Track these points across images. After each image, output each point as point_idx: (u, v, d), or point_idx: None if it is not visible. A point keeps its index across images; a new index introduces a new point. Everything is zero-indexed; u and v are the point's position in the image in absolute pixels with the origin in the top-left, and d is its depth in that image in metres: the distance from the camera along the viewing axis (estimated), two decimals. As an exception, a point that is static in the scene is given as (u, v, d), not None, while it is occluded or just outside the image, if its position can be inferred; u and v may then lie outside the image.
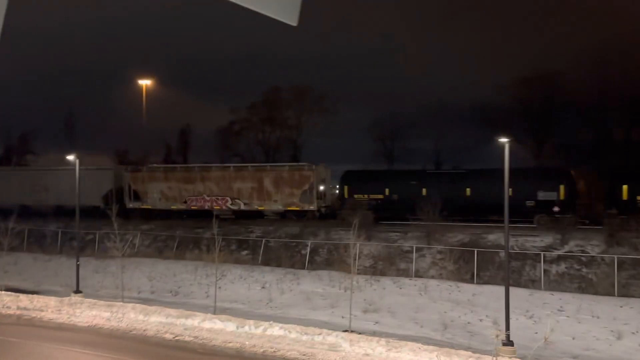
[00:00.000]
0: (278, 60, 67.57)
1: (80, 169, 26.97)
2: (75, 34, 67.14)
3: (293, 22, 1.70)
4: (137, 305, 20.60)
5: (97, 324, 19.60)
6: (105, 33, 68.57)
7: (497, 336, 14.89)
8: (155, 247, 31.98)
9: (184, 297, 23.83)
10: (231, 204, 35.25)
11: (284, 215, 35.40)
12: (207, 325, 18.53)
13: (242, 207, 35.23)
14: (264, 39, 60.35)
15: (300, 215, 34.26)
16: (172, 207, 36.33)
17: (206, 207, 35.53)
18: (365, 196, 33.85)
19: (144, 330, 18.68)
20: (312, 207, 33.98)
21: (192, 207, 36.21)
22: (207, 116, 64.43)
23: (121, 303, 21.03)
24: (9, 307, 21.85)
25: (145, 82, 50.20)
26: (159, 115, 61.25)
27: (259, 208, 35.38)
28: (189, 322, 18.88)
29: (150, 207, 37.00)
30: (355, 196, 33.90)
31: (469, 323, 18.96)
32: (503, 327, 16.21)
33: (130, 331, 18.75)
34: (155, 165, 39.13)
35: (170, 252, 30.85)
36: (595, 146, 43.35)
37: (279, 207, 34.49)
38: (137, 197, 37.67)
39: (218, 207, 34.71)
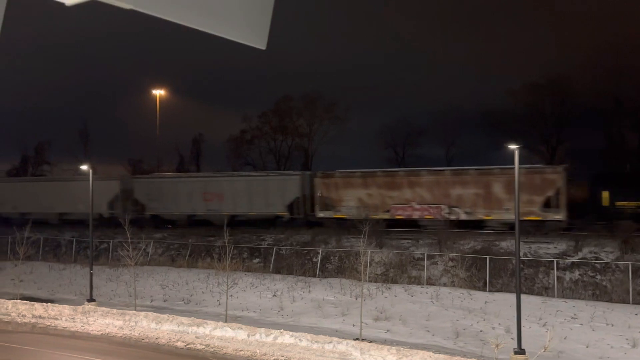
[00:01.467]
0: (289, 69, 67.88)
1: (268, 176, 27.19)
2: (90, 44, 68.14)
3: (262, 45, 1.70)
4: (150, 313, 20.74)
5: (110, 332, 19.77)
6: (120, 44, 69.45)
7: (497, 346, 14.75)
8: (168, 255, 32.20)
9: (195, 305, 23.94)
10: (448, 213, 30.43)
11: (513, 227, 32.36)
12: (218, 333, 18.61)
13: (462, 216, 30.48)
14: (275, 47, 60.69)
15: (539, 226, 28.71)
16: (372, 216, 30.98)
17: (415, 217, 31.47)
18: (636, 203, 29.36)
19: (156, 339, 18.81)
20: (558, 217, 28.65)
21: (397, 217, 31.86)
22: (219, 125, 64.98)
23: (134, 311, 21.19)
24: (24, 316, 22.12)
25: (158, 92, 50.78)
26: (172, 125, 61.96)
27: (485, 217, 30.29)
28: (201, 330, 18.97)
29: (344, 216, 32.67)
30: (618, 204, 29.50)
31: (481, 331, 18.82)
32: (515, 335, 16.08)
33: (143, 339, 18.88)
34: (349, 170, 34.97)
35: (182, 260, 31.05)
36: (608, 151, 42.98)
37: (511, 216, 27.35)
38: (328, 205, 33.67)
39: (430, 217, 30.78)
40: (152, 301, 24.62)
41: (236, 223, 34.15)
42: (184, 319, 19.77)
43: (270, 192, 34.26)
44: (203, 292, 25.55)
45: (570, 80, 44.48)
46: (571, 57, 56.00)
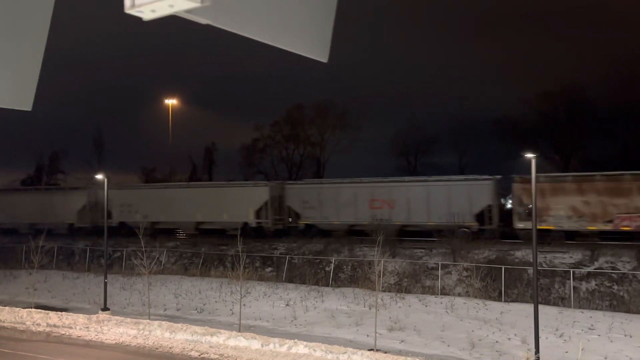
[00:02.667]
0: (301, 77, 68.15)
1: (451, 180, 28.51)
2: (103, 54, 68.92)
3: (324, 58, 1.77)
4: (164, 322, 20.75)
5: (124, 342, 19.80)
6: (133, 54, 70.15)
7: (527, 359, 14.59)
8: (180, 264, 32.27)
9: (209, 314, 23.92)
10: None
11: None
12: (232, 342, 18.56)
13: None
14: (287, 56, 60.94)
15: None
16: (589, 227, 28.08)
17: None
18: None
19: (170, 348, 18.80)
20: None
21: (623, 228, 27.68)
22: (232, 134, 65.30)
23: (148, 320, 21.21)
24: (38, 324, 22.24)
25: (171, 101, 51.16)
26: (184, 134, 62.37)
27: None
28: (214, 339, 18.94)
29: (551, 227, 28.73)
30: None
31: (497, 342, 18.59)
32: (532, 345, 15.86)
33: (157, 349, 18.89)
34: (558, 173, 31.21)
35: (195, 269, 31.11)
36: (622, 160, 42.50)
37: None
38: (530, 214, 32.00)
39: None
40: (165, 310, 24.65)
41: (405, 234, 31.94)
42: (198, 328, 19.75)
43: (454, 199, 31.04)
44: (216, 301, 25.54)
45: (584, 89, 44.21)
46: (586, 66, 55.68)
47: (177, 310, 24.82)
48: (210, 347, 18.50)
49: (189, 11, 1.48)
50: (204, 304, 25.34)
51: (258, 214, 35.46)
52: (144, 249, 23.49)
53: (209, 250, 32.57)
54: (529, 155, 16.40)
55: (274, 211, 35.65)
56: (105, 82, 71.98)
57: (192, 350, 18.39)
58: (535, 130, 44.55)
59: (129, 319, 21.60)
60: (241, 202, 35.67)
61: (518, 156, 19.48)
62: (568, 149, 44.96)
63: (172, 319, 22.31)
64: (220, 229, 36.69)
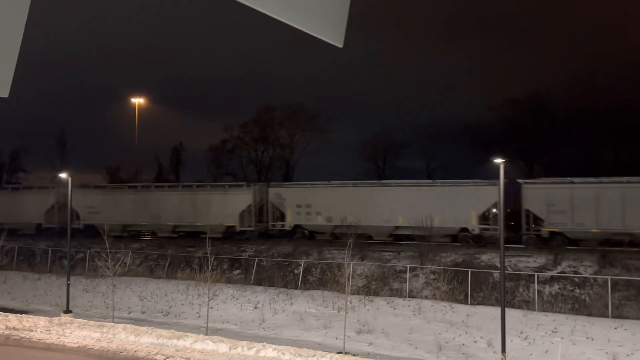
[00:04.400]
0: (271, 80, 67.97)
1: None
2: (67, 51, 67.26)
3: (339, 43, 1.70)
4: (128, 325, 20.30)
5: (87, 345, 19.26)
6: (99, 51, 68.72)
7: None
8: (146, 266, 31.68)
9: (175, 317, 23.52)
10: None
11: None
12: (199, 346, 18.27)
13: None
14: (258, 58, 60.75)
15: None
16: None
17: None
18: None
19: (134, 352, 18.37)
20: None
21: None
22: (200, 135, 64.57)
23: (112, 323, 20.72)
24: (-4, 327, 21.46)
25: (138, 100, 50.26)
26: (151, 134, 61.38)
27: None
28: (181, 343, 18.61)
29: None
30: None
31: (463, 344, 18.82)
32: (498, 348, 16.12)
33: (121, 352, 18.44)
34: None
35: (161, 271, 30.58)
36: (585, 166, 43.76)
37: None
38: None
39: None
40: (130, 313, 24.12)
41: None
42: (164, 332, 19.38)
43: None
44: (182, 304, 25.14)
45: (548, 97, 45.39)
46: (550, 75, 57.16)
47: (142, 313, 24.33)
48: (177, 350, 18.16)
49: None
50: (170, 307, 24.91)
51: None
52: (108, 250, 22.96)
53: (176, 252, 32.08)
54: (498, 160, 16.68)
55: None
56: (70, 79, 70.29)
57: (157, 354, 18.01)
58: (501, 136, 45.50)
59: (92, 322, 21.05)
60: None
61: (485, 161, 19.81)
62: (532, 155, 46.06)
63: (137, 322, 21.84)
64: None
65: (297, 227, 34.80)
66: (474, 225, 30.84)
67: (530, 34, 60.77)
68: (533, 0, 59.60)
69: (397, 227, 32.52)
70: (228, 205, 35.37)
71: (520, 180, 32.02)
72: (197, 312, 23.20)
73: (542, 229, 30.04)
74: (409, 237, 31.63)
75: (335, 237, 32.43)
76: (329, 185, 34.93)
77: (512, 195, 29.93)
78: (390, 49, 66.61)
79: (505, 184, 28.83)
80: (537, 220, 30.37)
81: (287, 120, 53.30)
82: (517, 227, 31.71)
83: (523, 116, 45.62)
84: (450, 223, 30.77)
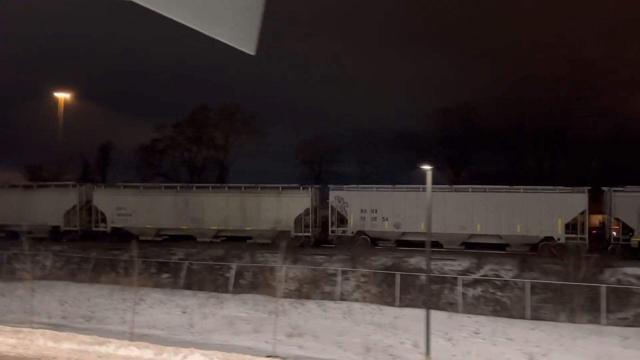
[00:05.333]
0: (207, 80, 66.86)
1: None
2: (-12, 41, 63.20)
3: (251, 50, 1.72)
4: (47, 331, 19.30)
5: (1, 351, 18.12)
6: (23, 44, 65.06)
7: None
8: (68, 269, 30.25)
9: (98, 322, 22.60)
10: None
11: None
12: (123, 352, 17.63)
13: None
14: (194, 58, 59.60)
15: None
16: None
17: None
18: None
19: (53, 358, 17.46)
20: None
21: None
22: (131, 133, 62.37)
23: (29, 329, 19.62)
24: None
25: (63, 96, 47.97)
26: (78, 131, 58.67)
27: None
28: (103, 349, 17.89)
29: None
30: None
31: (390, 346, 19.23)
32: (423, 349, 16.59)
33: (39, 359, 17.49)
34: None
35: (84, 274, 29.29)
36: (509, 174, 45.97)
37: None
38: None
39: None
40: (49, 318, 22.95)
41: None
42: (85, 337, 18.56)
43: None
44: (106, 309, 24.20)
45: (477, 107, 47.37)
46: (481, 86, 59.61)
47: (63, 318, 23.22)
48: (99, 357, 17.44)
49: None
50: (93, 312, 23.92)
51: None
52: (27, 252, 21.76)
53: (100, 255, 30.85)
54: (426, 167, 17.19)
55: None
56: (-12, 70, 66.00)
57: (78, 360, 17.24)
58: (432, 143, 46.99)
59: (7, 328, 19.85)
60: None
61: (416, 167, 20.40)
62: (460, 163, 47.88)
63: (57, 327, 20.81)
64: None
65: (359, 233, 32.48)
66: (560, 234, 29.80)
67: (465, 47, 63.20)
68: (469, 13, 62.01)
69: (472, 235, 31.16)
70: (281, 209, 33.19)
71: (605, 188, 31.07)
72: (122, 317, 22.41)
73: (633, 239, 29.35)
74: (483, 246, 30.68)
75: (401, 244, 31.05)
76: (398, 189, 32.83)
77: (596, 203, 30.53)
78: (327, 55, 67.29)
79: (588, 191, 29.52)
80: (626, 229, 29.73)
81: (223, 122, 52.63)
82: (600, 236, 31.37)
83: (453, 125, 47.33)
84: (533, 232, 29.94)
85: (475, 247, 30.78)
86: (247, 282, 27.19)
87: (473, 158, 47.99)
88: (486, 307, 23.78)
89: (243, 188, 34.91)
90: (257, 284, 26.09)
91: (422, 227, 28.92)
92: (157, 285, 26.96)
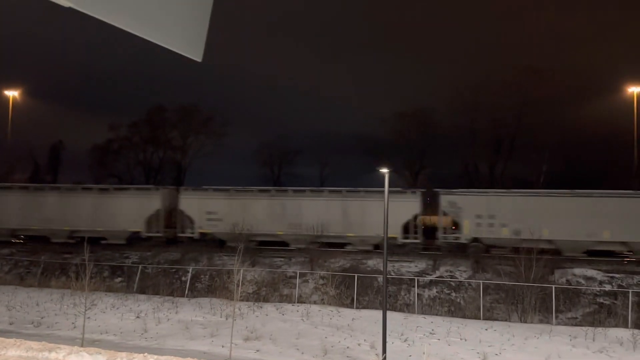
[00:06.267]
0: (165, 80, 65.71)
1: None
2: None
3: (198, 57, 1.69)
4: (-8, 338, 18.47)
5: (-60, 362, 17.26)
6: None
7: None
8: (16, 273, 29.11)
9: (47, 328, 21.79)
10: None
11: None
12: (73, 358, 17.03)
13: None
14: (150, 56, 58.45)
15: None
16: None
17: None
18: None
19: (-2, 367, 16.76)
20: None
21: None
22: (85, 133, 60.67)
23: (-28, 337, 18.74)
24: None
25: (12, 94, 46.23)
26: (28, 130, 56.67)
27: None
28: (53, 355, 17.25)
29: None
30: None
31: (348, 347, 19.29)
32: (380, 350, 16.71)
33: (-18, 368, 16.73)
34: None
35: (33, 279, 28.24)
36: (463, 177, 47.02)
37: None
38: None
39: None
40: (-5, 325, 22.00)
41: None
42: (34, 344, 17.86)
43: None
44: (56, 314, 23.38)
45: (432, 112, 48.24)
46: (436, 91, 60.78)
47: (10, 324, 22.29)
48: (48, 364, 16.82)
49: None
50: (42, 317, 23.06)
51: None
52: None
53: (50, 259, 29.80)
54: (383, 170, 17.37)
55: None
56: None
57: (25, 368, 16.57)
58: (390, 147, 47.57)
59: (-52, 336, 18.91)
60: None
61: (374, 170, 20.59)
62: (417, 166, 48.64)
63: (3, 333, 19.94)
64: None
65: (474, 240, 31.04)
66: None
67: (421, 54, 64.33)
68: (425, 21, 63.18)
69: (599, 242, 29.63)
70: (389, 214, 31.73)
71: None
72: (73, 323, 21.68)
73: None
74: (609, 254, 29.48)
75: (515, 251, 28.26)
76: (518, 194, 31.25)
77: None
78: (288, 59, 67.25)
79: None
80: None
81: (180, 122, 51.78)
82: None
83: (410, 129, 48.04)
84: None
85: (596, 254, 29.68)
86: (203, 286, 26.80)
87: (428, 162, 48.90)
88: (441, 307, 24.19)
89: (344, 191, 33.16)
90: (214, 287, 25.76)
91: (545, 234, 28.35)
92: (110, 289, 26.29)
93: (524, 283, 23.28)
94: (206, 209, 33.30)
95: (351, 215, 31.97)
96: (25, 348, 17.63)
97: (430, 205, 34.30)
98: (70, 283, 23.86)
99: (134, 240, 33.89)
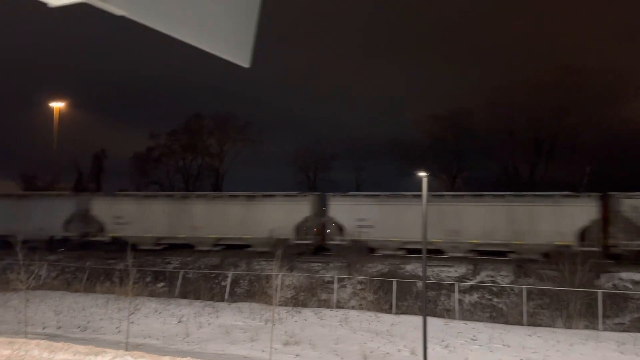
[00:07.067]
0: (202, 88, 66.87)
1: None
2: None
3: (245, 63, 1.72)
4: (42, 341, 19.12)
5: (-6, 364, 17.97)
6: (17, 52, 64.91)
7: None
8: (63, 279, 30.06)
9: (93, 332, 22.43)
10: None
11: None
12: (118, 362, 17.49)
13: None
14: (189, 65, 59.66)
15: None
16: None
17: None
18: None
19: (48, 370, 17.33)
20: None
21: None
22: (126, 142, 62.35)
23: (24, 339, 19.44)
24: None
25: (57, 105, 47.90)
26: (72, 140, 58.62)
27: None
28: (99, 359, 17.75)
29: None
30: None
31: (387, 353, 19.17)
32: (420, 356, 16.54)
33: (33, 371, 17.33)
34: None
35: (79, 284, 29.11)
36: (502, 181, 46.12)
37: None
38: None
39: None
40: (44, 328, 22.76)
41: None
42: (81, 348, 18.41)
43: None
44: (101, 319, 24.02)
45: (469, 114, 47.54)
46: (473, 93, 59.96)
47: (58, 328, 23.03)
48: (95, 367, 17.31)
49: None
50: (88, 322, 23.74)
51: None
52: (21, 262, 21.60)
53: (95, 264, 30.68)
54: (421, 174, 17.23)
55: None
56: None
57: (73, 371, 17.09)
58: (425, 151, 47.11)
59: (2, 338, 19.66)
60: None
61: (410, 174, 20.43)
62: (454, 169, 48.00)
63: (51, 337, 20.64)
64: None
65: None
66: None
67: (455, 54, 63.60)
68: (459, 22, 62.46)
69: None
70: (562, 219, 29.15)
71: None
72: (117, 327, 22.25)
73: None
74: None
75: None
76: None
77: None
78: (321, 63, 67.52)
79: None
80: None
81: (217, 129, 52.64)
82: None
83: (446, 132, 47.50)
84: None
85: None
86: (242, 291, 27.10)
87: (465, 165, 48.18)
88: (483, 313, 23.78)
89: (510, 196, 31.57)
90: (253, 292, 26.01)
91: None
92: (153, 294, 26.84)
93: (568, 288, 22.68)
94: (356, 215, 31.95)
95: (517, 222, 29.89)
96: (72, 352, 18.18)
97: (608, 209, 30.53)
98: (114, 288, 24.52)
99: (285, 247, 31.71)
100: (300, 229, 33.15)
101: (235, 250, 32.85)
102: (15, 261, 22.52)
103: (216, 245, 34.01)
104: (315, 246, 33.11)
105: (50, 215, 36.08)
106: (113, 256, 31.43)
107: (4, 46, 62.23)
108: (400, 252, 31.20)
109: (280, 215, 32.97)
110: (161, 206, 35.54)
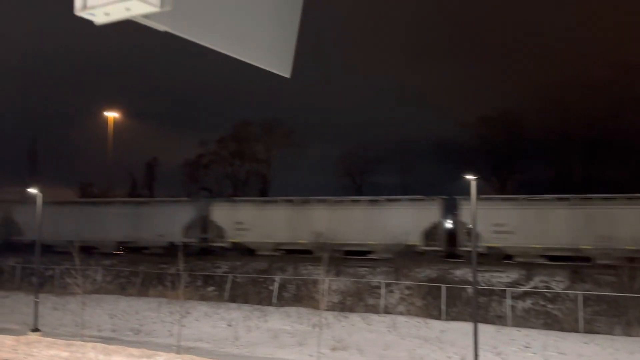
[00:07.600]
0: (248, 95, 67.87)
1: None
2: (40, 65, 66.30)
3: (286, 74, 1.74)
4: (98, 344, 19.80)
5: (54, 365, 18.72)
6: (73, 65, 67.88)
7: None
8: (117, 283, 31.08)
9: (146, 335, 23.07)
10: None
11: None
12: (170, 365, 17.89)
13: None
14: (235, 73, 60.70)
15: None
16: None
17: None
18: None
19: (104, 371, 17.91)
20: None
21: None
22: (176, 149, 64.02)
23: (81, 342, 20.18)
24: (-41, 347, 20.73)
25: (112, 115, 49.73)
26: (126, 148, 60.71)
27: None
28: (152, 362, 18.21)
29: None
30: None
31: (437, 360, 18.85)
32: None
33: (90, 372, 17.96)
34: None
35: (133, 288, 30.01)
36: (556, 183, 44.58)
37: None
38: None
39: None
40: (99, 331, 23.59)
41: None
42: (134, 350, 18.94)
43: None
44: (154, 322, 24.68)
45: (520, 114, 46.26)
46: (523, 93, 58.37)
47: (113, 331, 23.82)
48: (147, 369, 17.76)
49: (146, 16, 1.37)
50: (141, 325, 24.44)
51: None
52: (78, 267, 22.48)
53: (148, 269, 31.56)
54: (470, 177, 16.88)
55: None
56: (42, 94, 69.05)
57: (127, 373, 17.60)
58: (474, 153, 46.08)
59: (60, 341, 20.49)
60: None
61: (459, 177, 20.02)
62: (504, 172, 46.74)
63: (106, 340, 21.36)
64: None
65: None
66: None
67: (504, 53, 62.12)
68: (507, 20, 61.02)
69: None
70: None
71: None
72: (169, 330, 22.78)
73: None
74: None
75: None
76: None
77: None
78: (366, 66, 67.34)
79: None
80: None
81: (264, 136, 53.32)
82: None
83: (495, 134, 46.35)
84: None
85: None
86: (290, 295, 27.24)
87: (518, 167, 46.79)
88: (536, 320, 23.01)
89: (592, 198, 29.01)
90: (300, 296, 26.11)
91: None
92: (203, 298, 27.37)
93: (628, 294, 21.66)
94: (493, 220, 29.33)
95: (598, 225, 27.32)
96: (126, 354, 18.72)
97: None
98: (166, 292, 25.15)
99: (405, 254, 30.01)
100: (428, 234, 31.30)
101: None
102: (72, 266, 23.45)
103: (335, 250, 30.37)
104: (445, 252, 31.24)
105: (170, 221, 35.52)
106: (165, 260, 32.25)
107: (64, 62, 65.20)
108: (540, 260, 28.95)
109: (406, 220, 30.95)
110: (281, 211, 34.69)
